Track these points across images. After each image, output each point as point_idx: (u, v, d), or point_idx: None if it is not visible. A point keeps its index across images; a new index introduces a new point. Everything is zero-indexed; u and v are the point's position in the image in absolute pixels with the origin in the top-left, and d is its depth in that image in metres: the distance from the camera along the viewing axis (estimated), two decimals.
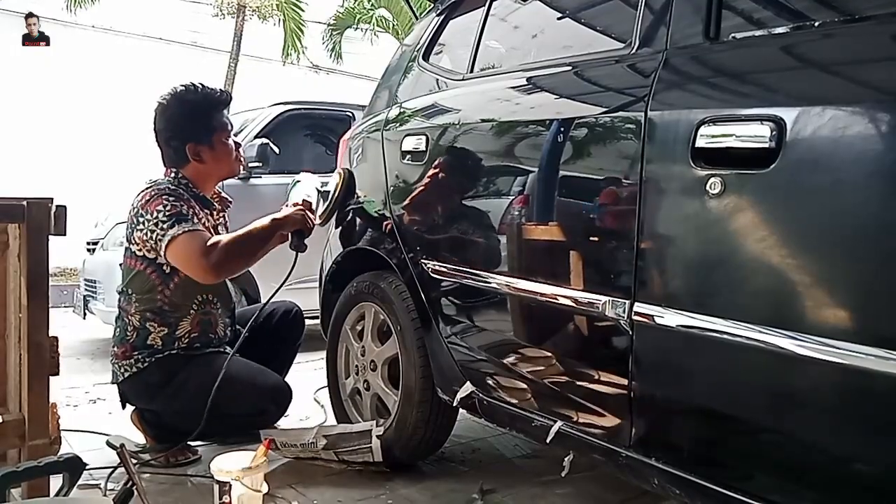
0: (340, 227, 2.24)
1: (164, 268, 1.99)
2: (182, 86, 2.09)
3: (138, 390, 2.04)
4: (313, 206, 2.15)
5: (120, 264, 2.13)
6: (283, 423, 2.31)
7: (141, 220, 1.95)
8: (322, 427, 1.88)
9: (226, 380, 1.94)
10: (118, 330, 2.07)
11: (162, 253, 1.93)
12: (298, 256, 2.05)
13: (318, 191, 2.17)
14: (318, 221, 2.19)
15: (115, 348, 2.05)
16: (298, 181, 2.20)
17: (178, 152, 2.06)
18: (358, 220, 2.17)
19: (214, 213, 2.14)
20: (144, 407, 2.09)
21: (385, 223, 2.00)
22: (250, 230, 1.99)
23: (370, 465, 1.89)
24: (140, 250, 1.98)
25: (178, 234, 1.89)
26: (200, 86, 2.09)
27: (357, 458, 1.89)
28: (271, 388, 2.04)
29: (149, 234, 1.93)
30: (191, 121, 2.05)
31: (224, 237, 1.96)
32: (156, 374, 2.00)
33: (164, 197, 1.94)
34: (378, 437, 1.87)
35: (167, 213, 1.91)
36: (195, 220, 1.95)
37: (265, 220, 2.01)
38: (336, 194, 2.17)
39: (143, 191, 2.02)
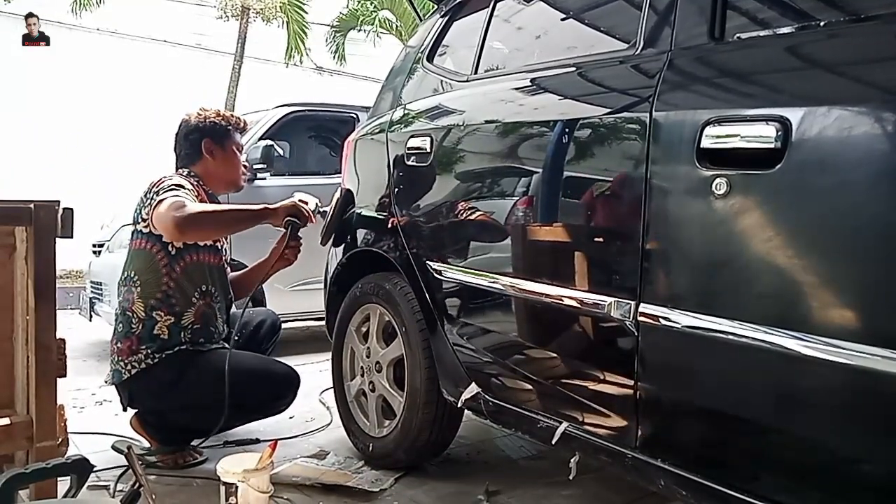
0: (345, 230, 2.25)
1: (171, 248, 2.02)
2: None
3: (148, 388, 2.02)
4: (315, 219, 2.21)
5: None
6: (287, 424, 2.31)
7: (147, 199, 2.03)
8: (323, 475, 1.90)
9: (240, 370, 1.97)
10: (121, 325, 2.04)
11: (151, 219, 1.99)
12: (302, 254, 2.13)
13: (318, 210, 2.21)
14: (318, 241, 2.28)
15: (119, 344, 2.02)
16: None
17: (195, 145, 2.18)
18: (363, 221, 2.17)
19: None
20: (151, 406, 2.08)
21: (389, 225, 2.01)
22: (233, 208, 2.16)
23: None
24: (147, 226, 2.03)
25: (167, 197, 1.97)
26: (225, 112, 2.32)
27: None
28: (284, 374, 2.12)
29: (150, 205, 2.00)
30: (213, 124, 2.23)
31: (206, 205, 2.07)
32: (167, 371, 1.99)
33: (174, 178, 2.07)
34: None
35: (169, 185, 2.01)
36: (193, 198, 2.02)
37: (255, 207, 2.09)
38: (333, 210, 2.24)
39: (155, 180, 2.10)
